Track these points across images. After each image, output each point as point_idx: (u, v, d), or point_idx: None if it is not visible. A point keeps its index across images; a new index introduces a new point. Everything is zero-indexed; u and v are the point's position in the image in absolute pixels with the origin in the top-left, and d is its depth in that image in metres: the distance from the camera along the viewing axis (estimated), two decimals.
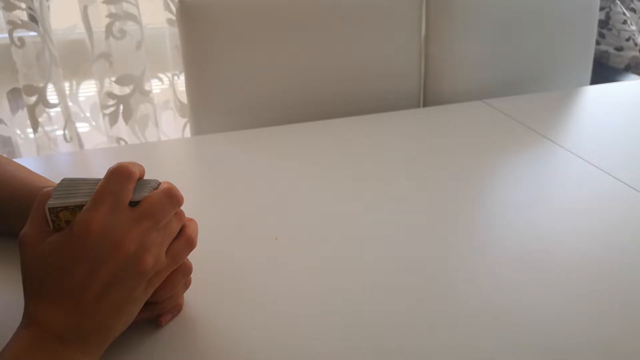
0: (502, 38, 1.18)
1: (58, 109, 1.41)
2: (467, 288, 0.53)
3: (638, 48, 1.94)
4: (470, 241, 0.60)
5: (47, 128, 1.41)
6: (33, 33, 1.31)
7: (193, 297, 0.51)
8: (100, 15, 1.37)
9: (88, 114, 1.49)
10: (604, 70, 1.94)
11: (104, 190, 0.40)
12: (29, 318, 0.39)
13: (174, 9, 1.42)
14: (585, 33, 1.25)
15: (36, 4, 1.29)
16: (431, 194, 0.70)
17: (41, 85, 1.35)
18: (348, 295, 0.52)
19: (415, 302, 0.51)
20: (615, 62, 1.96)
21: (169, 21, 1.45)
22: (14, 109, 1.43)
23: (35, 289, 0.40)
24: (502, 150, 0.82)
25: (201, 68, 1.04)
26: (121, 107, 1.45)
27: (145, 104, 1.47)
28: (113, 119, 1.46)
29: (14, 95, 1.41)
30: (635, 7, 1.99)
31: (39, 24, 1.30)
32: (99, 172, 0.74)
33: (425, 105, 1.20)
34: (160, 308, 0.48)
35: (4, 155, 0.65)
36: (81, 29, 1.38)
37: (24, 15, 1.29)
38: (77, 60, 1.43)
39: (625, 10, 1.95)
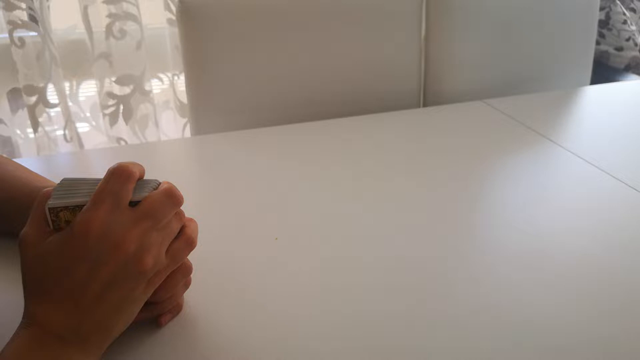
0: (502, 38, 1.18)
1: (58, 109, 1.41)
2: (467, 288, 0.53)
3: (638, 48, 1.94)
4: (470, 241, 0.60)
5: (47, 128, 1.41)
6: (33, 33, 1.31)
7: (193, 297, 0.51)
8: (100, 15, 1.37)
9: (88, 114, 1.49)
10: (604, 70, 1.94)
11: (104, 190, 0.40)
12: (29, 318, 0.39)
13: (174, 9, 1.42)
14: (585, 33, 1.25)
15: (36, 4, 1.29)
16: (431, 194, 0.70)
17: (41, 85, 1.35)
18: (348, 295, 0.52)
19: (415, 302, 0.51)
20: (615, 62, 1.96)
21: (169, 21, 1.45)
22: (14, 109, 1.43)
23: (35, 289, 0.40)
24: (502, 150, 0.82)
25: (201, 68, 1.04)
26: (121, 107, 1.45)
27: (145, 104, 1.47)
28: (113, 119, 1.46)
29: (14, 95, 1.41)
30: (635, 7, 1.99)
31: (39, 24, 1.30)
32: (99, 172, 0.74)
33: (425, 105, 1.20)
34: (160, 308, 0.48)
35: (4, 155, 0.65)
36: (81, 29, 1.38)
37: (24, 15, 1.29)
38: (77, 60, 1.43)
39: (625, 10, 1.95)
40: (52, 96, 1.38)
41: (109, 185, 0.40)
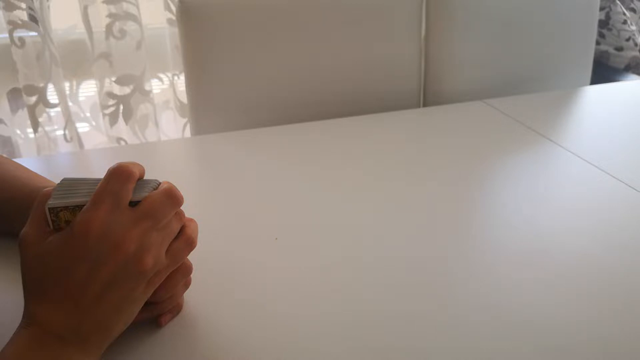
0: (502, 38, 1.18)
1: (58, 109, 1.41)
2: (467, 288, 0.53)
3: (638, 48, 1.94)
4: (470, 241, 0.60)
5: (47, 128, 1.41)
6: (33, 33, 1.31)
7: (193, 297, 0.51)
8: (100, 15, 1.37)
9: (88, 114, 1.49)
10: (604, 70, 1.94)
11: (104, 190, 0.40)
12: (29, 318, 0.39)
13: (174, 9, 1.42)
14: (585, 33, 1.25)
15: (36, 4, 1.29)
16: (431, 194, 0.70)
17: (41, 85, 1.35)
18: (348, 295, 0.52)
19: (415, 302, 0.51)
20: (615, 62, 1.96)
21: (169, 21, 1.45)
22: (14, 109, 1.43)
23: (35, 289, 0.40)
24: (502, 150, 0.82)
25: (201, 68, 1.04)
26: (121, 107, 1.45)
27: (145, 104, 1.47)
28: (113, 119, 1.46)
29: (14, 95, 1.41)
30: (635, 7, 1.99)
31: (39, 24, 1.30)
32: (99, 172, 0.74)
33: (425, 105, 1.20)
34: (160, 308, 0.48)
35: (4, 155, 0.65)
36: (81, 29, 1.38)
37: (24, 15, 1.29)
38: (77, 60, 1.43)
39: (625, 10, 1.95)
40: (52, 96, 1.38)
41: (109, 185, 0.40)
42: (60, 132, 1.43)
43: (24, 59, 1.32)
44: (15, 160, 0.64)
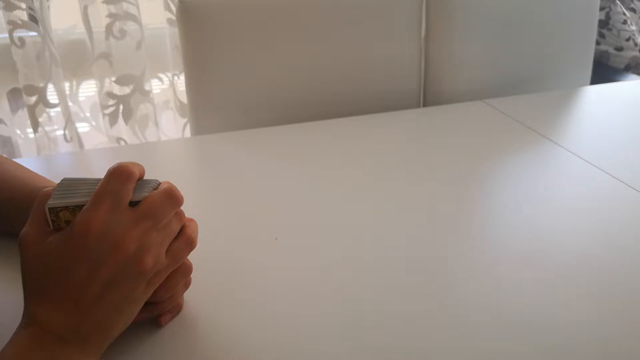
0: (502, 38, 1.18)
1: (58, 109, 1.41)
2: (467, 288, 0.53)
3: (638, 48, 1.94)
4: (470, 241, 0.60)
5: (47, 128, 1.41)
6: (33, 33, 1.31)
7: (193, 297, 0.51)
8: (100, 15, 1.37)
9: (88, 114, 1.49)
10: (604, 70, 1.94)
11: (104, 190, 0.40)
12: (29, 318, 0.39)
13: (174, 9, 1.42)
14: (585, 33, 1.25)
15: (36, 4, 1.29)
16: (431, 194, 0.70)
17: (41, 85, 1.35)
18: (348, 295, 0.52)
19: (415, 302, 0.51)
20: (615, 62, 1.96)
21: (169, 21, 1.45)
22: (14, 109, 1.43)
23: (35, 289, 0.40)
24: (502, 150, 0.82)
25: (201, 68, 1.04)
26: (121, 107, 1.45)
27: (145, 104, 1.47)
28: (113, 119, 1.46)
29: (14, 95, 1.41)
30: (635, 7, 1.99)
31: (39, 24, 1.30)
32: (99, 172, 0.74)
33: (425, 105, 1.20)
34: (160, 308, 0.48)
35: (4, 155, 0.65)
36: (81, 29, 1.38)
37: (24, 15, 1.29)
38: (77, 60, 1.43)
39: (625, 10, 1.95)
40: (52, 96, 1.38)
41: (109, 185, 0.40)
42: (60, 132, 1.43)
43: (24, 59, 1.32)
44: (15, 160, 0.64)
